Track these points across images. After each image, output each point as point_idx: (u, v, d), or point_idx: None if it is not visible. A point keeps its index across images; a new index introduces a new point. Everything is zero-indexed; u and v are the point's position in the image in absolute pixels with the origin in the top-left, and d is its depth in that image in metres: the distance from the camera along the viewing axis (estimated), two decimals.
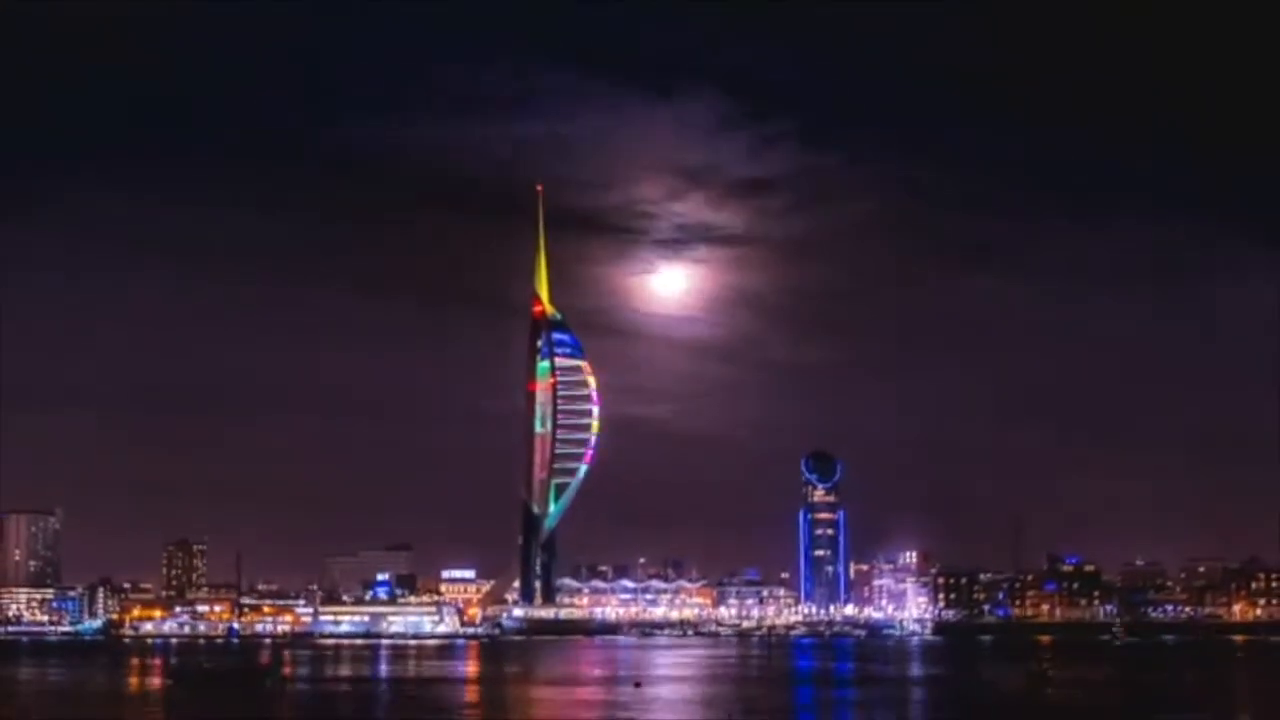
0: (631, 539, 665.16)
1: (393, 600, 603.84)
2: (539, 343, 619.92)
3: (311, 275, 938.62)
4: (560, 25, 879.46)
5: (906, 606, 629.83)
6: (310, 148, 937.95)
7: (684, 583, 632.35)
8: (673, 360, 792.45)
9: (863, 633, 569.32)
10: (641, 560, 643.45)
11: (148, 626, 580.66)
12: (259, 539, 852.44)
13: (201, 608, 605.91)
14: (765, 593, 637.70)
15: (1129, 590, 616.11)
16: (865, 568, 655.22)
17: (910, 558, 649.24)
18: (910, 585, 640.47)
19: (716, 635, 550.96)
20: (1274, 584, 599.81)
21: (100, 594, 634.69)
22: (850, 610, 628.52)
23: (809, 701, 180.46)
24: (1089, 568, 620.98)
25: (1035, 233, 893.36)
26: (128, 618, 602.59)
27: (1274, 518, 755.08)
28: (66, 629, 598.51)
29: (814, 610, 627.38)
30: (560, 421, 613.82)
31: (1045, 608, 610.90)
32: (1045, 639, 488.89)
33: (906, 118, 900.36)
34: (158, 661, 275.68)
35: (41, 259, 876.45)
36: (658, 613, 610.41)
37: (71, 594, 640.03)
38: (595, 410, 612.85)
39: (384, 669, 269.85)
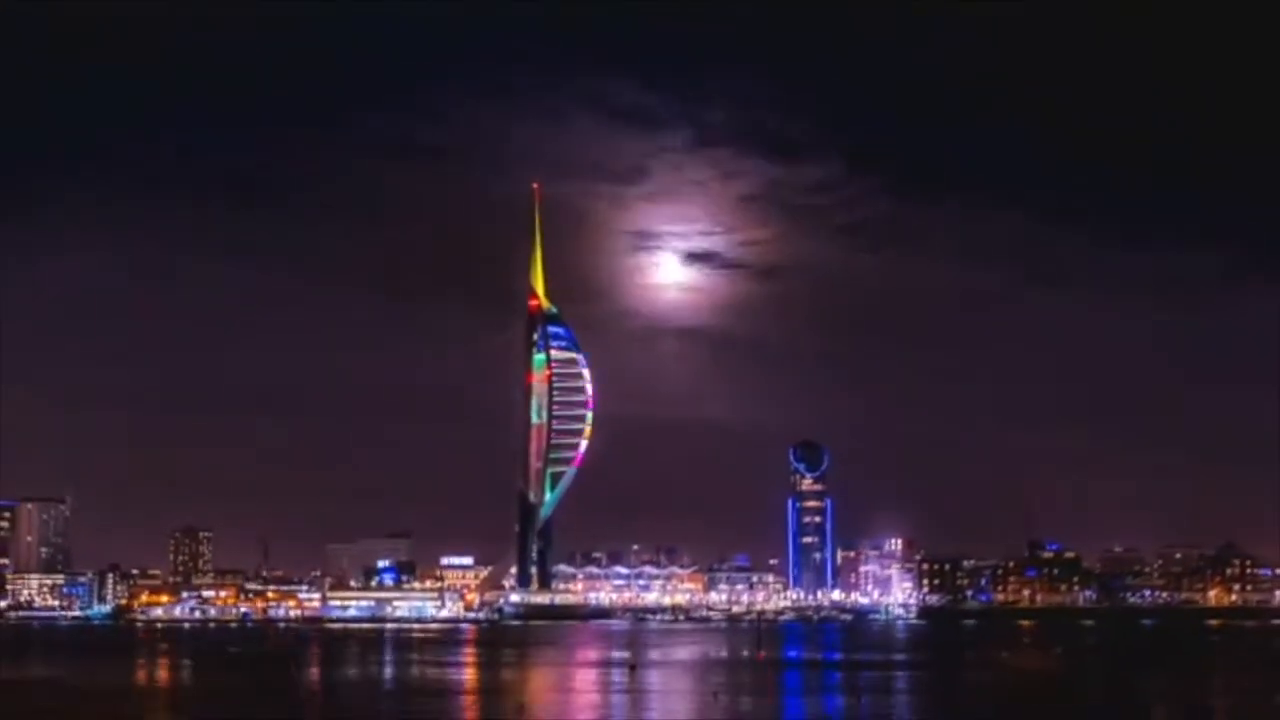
0: (625, 526, 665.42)
1: (398, 586, 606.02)
2: (535, 336, 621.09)
3: (312, 272, 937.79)
4: None
5: (892, 592, 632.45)
6: (310, 146, 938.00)
7: (676, 569, 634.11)
8: (667, 353, 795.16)
9: (849, 617, 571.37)
10: (635, 547, 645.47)
11: (157, 612, 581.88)
12: (262, 527, 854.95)
13: (208, 593, 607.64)
14: (755, 578, 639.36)
15: (1108, 576, 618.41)
16: (851, 554, 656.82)
17: (895, 545, 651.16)
18: (895, 571, 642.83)
19: (707, 620, 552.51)
20: (1249, 570, 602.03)
21: (110, 580, 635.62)
22: (837, 595, 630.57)
23: (796, 682, 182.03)
24: (1069, 554, 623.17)
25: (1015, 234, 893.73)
26: (136, 603, 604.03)
27: (1249, 506, 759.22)
28: (76, 614, 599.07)
29: (802, 595, 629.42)
30: (556, 412, 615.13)
31: (1026, 593, 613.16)
32: (1026, 623, 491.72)
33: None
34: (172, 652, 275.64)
35: (48, 256, 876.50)
36: (650, 598, 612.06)
37: (81, 579, 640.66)
38: (590, 402, 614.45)
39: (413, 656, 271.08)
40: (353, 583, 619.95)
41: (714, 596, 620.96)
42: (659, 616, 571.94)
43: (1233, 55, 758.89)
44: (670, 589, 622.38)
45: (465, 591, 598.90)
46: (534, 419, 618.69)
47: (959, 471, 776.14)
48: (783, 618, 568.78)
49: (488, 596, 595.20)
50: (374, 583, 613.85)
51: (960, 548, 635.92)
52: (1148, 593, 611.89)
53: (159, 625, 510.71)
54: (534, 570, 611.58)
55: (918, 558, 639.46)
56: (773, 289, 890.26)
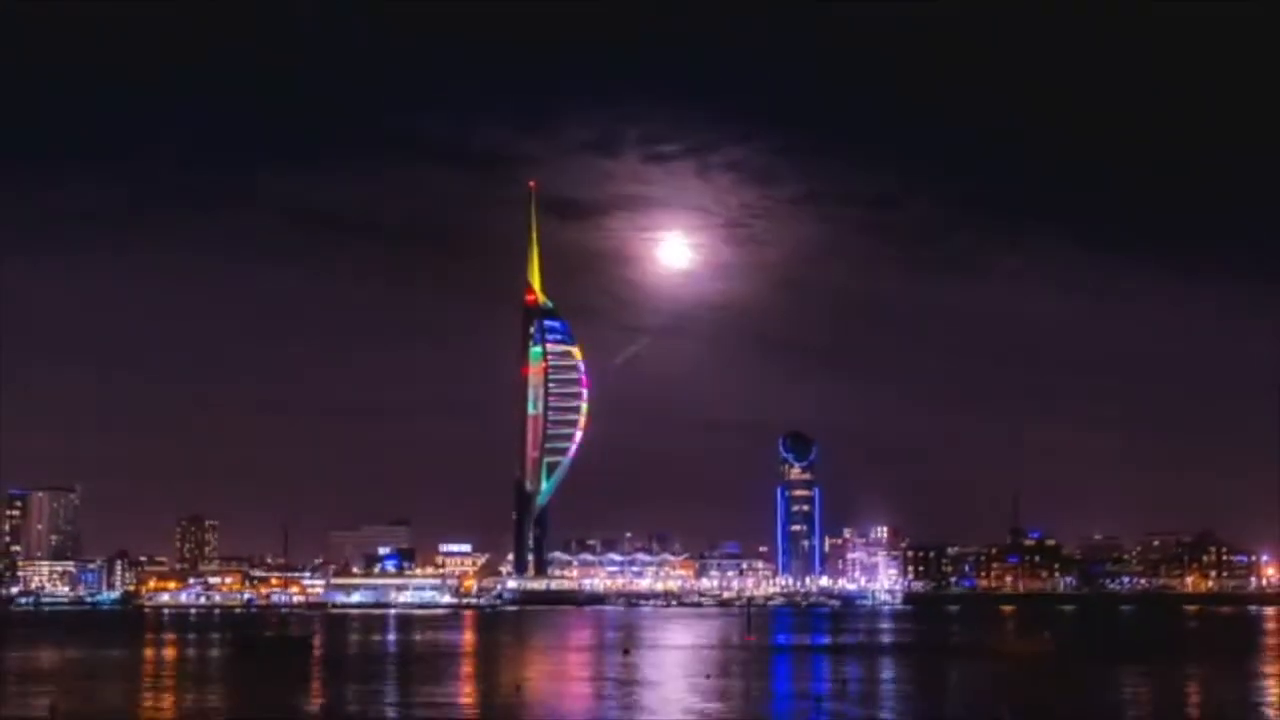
0: (619, 514, 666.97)
1: (400, 572, 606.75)
2: (531, 329, 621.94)
3: (313, 265, 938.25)
4: None
5: (878, 578, 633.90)
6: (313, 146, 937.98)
7: (668, 556, 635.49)
8: (661, 344, 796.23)
9: (837, 603, 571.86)
10: (628, 535, 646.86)
11: (164, 597, 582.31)
12: (264, 515, 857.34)
13: (213, 580, 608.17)
14: (745, 565, 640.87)
15: (1088, 563, 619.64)
16: (839, 542, 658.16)
17: (881, 532, 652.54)
18: (881, 558, 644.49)
19: (699, 605, 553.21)
20: (1225, 557, 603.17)
21: (118, 566, 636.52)
22: (825, 582, 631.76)
23: (785, 664, 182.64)
24: (1050, 542, 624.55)
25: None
26: (144, 589, 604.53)
27: (1225, 496, 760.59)
28: (85, 599, 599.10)
29: (791, 582, 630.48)
30: (551, 404, 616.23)
31: (1008, 579, 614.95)
32: (1008, 609, 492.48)
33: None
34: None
35: (56, 252, 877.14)
36: (643, 584, 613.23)
37: (91, 566, 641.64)
38: (585, 393, 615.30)
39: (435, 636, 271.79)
40: (356, 569, 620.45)
41: (705, 583, 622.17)
42: (652, 602, 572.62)
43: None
44: (662, 575, 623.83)
45: (462, 578, 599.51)
46: (530, 410, 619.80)
47: (943, 462, 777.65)
48: (772, 603, 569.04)
49: (485, 583, 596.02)
50: (376, 569, 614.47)
51: (944, 535, 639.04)
52: (1127, 579, 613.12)
53: (166, 611, 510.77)
54: (530, 557, 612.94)
55: (903, 545, 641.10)
56: (767, 285, 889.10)
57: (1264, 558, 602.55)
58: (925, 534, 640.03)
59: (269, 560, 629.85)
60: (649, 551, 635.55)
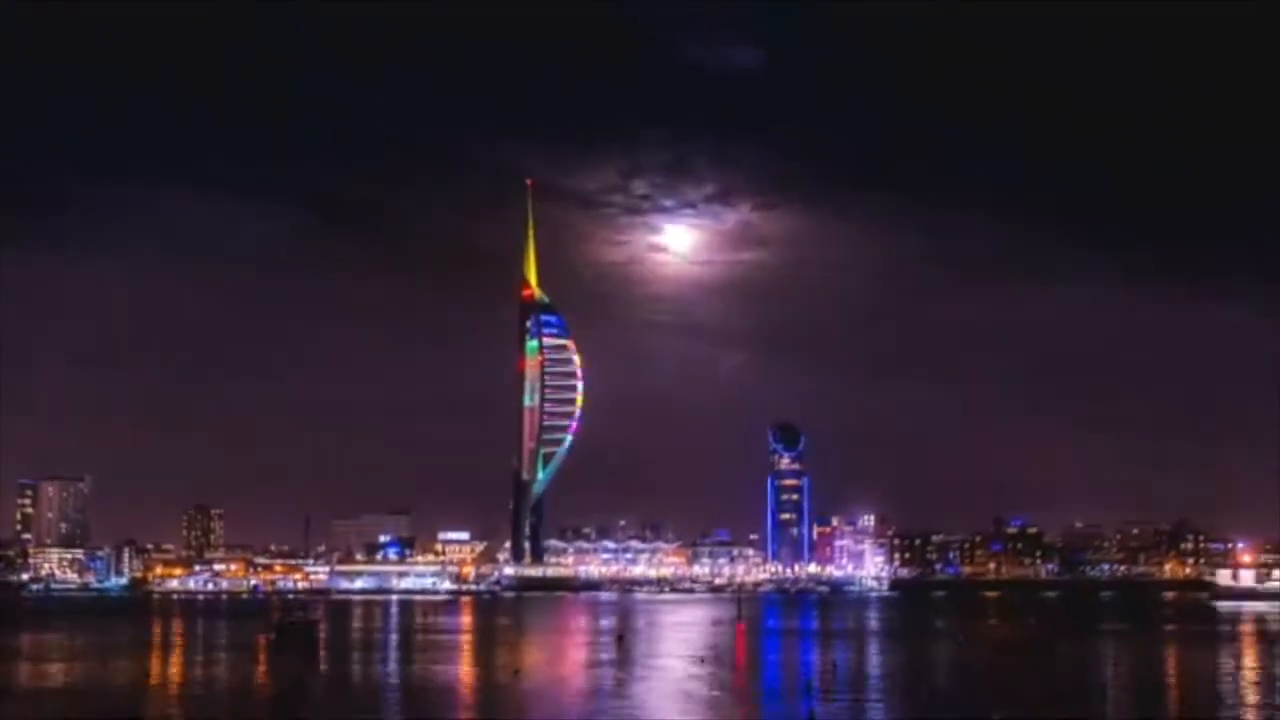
0: (613, 503, 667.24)
1: (401, 560, 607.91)
2: (528, 324, 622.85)
3: (313, 257, 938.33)
4: None
5: (865, 565, 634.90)
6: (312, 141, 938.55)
7: (661, 543, 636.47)
8: (655, 337, 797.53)
9: (825, 589, 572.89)
10: (622, 523, 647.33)
11: (172, 584, 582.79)
12: (268, 505, 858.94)
13: (219, 567, 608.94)
14: (735, 553, 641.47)
15: (1069, 550, 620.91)
16: (827, 530, 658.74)
17: (868, 521, 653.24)
18: (868, 546, 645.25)
19: (691, 591, 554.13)
20: (1202, 545, 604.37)
21: (126, 554, 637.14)
22: (813, 569, 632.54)
23: (775, 648, 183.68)
24: (1032, 530, 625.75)
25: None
26: (151, 575, 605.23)
27: (1202, 485, 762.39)
28: (93, 585, 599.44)
29: (780, 569, 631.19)
30: (547, 396, 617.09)
31: (992, 566, 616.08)
32: (992, 594, 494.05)
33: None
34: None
35: (61, 247, 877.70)
36: (637, 571, 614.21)
37: (99, 554, 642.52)
38: (580, 385, 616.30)
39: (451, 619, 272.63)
40: (358, 557, 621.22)
41: (697, 569, 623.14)
42: (645, 588, 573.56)
43: None
44: (655, 562, 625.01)
45: (461, 565, 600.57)
46: (527, 402, 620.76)
47: (929, 452, 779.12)
48: (762, 589, 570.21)
49: (483, 569, 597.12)
50: (378, 557, 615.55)
51: (930, 523, 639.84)
52: (1106, 566, 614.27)
53: (175, 596, 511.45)
54: (527, 545, 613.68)
55: (890, 533, 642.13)
56: (760, 280, 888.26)
57: (1239, 545, 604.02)
58: (911, 522, 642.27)
59: (271, 547, 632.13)
60: (642, 539, 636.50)
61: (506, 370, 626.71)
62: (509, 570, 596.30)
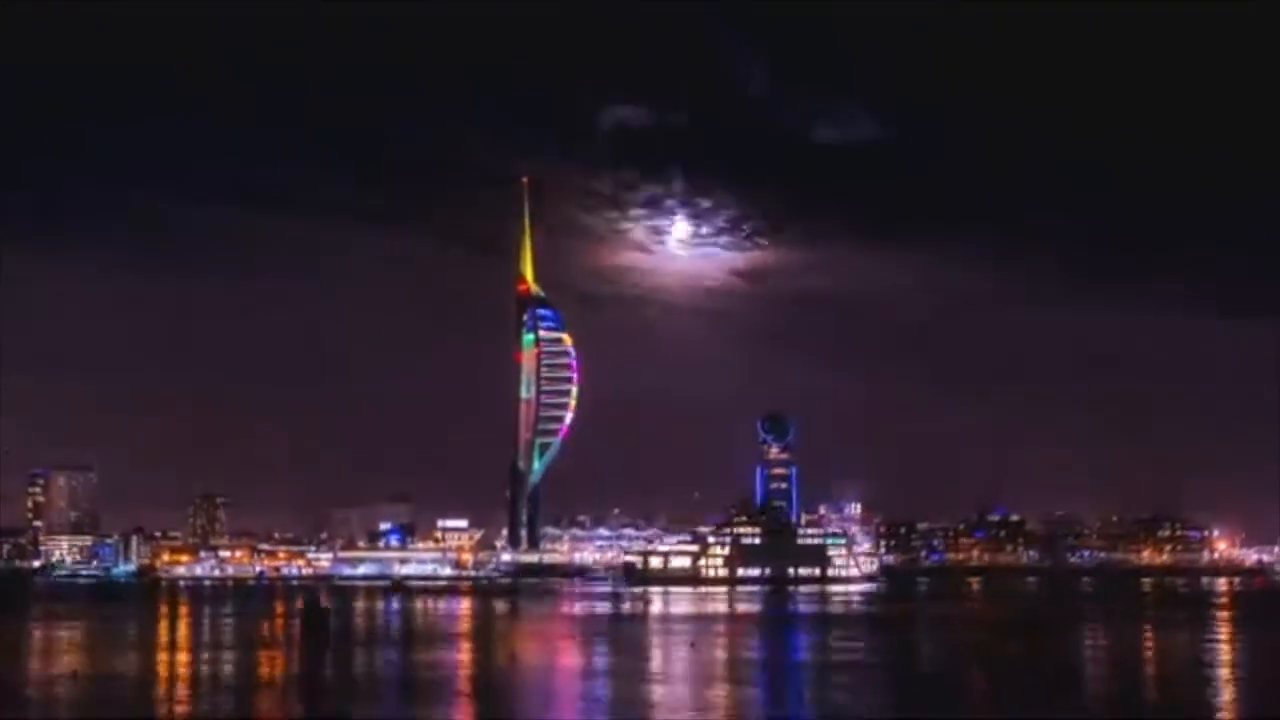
0: (607, 491, 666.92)
1: (402, 547, 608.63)
2: (524, 317, 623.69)
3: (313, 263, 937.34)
4: None
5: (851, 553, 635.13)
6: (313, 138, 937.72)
7: (654, 531, 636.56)
8: (651, 330, 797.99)
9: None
10: (616, 510, 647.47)
11: (179, 570, 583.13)
12: (272, 493, 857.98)
13: (224, 553, 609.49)
14: None
15: (1050, 538, 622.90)
16: (815, 518, 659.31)
17: (855, 509, 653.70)
18: (855, 533, 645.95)
19: None
20: (1179, 533, 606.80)
21: (134, 541, 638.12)
22: None
23: (766, 633, 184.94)
24: (1014, 518, 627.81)
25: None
26: (158, 562, 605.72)
27: (1180, 475, 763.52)
28: (97, 572, 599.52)
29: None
30: (543, 388, 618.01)
31: (975, 553, 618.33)
32: (975, 580, 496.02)
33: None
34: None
35: (64, 244, 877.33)
36: (630, 557, 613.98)
37: (108, 541, 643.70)
38: (575, 377, 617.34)
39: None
40: (360, 544, 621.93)
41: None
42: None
43: None
44: (648, 549, 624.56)
45: (461, 551, 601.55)
46: (523, 394, 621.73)
47: (914, 442, 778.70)
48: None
49: (481, 556, 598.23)
50: (380, 543, 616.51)
51: (915, 512, 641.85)
52: (1087, 553, 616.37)
53: (182, 582, 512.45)
54: (524, 532, 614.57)
55: (876, 521, 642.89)
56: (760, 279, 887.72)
57: (1215, 533, 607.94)
58: (897, 511, 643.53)
59: (275, 534, 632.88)
60: (636, 527, 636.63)
61: (504, 363, 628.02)
62: (506, 557, 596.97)
